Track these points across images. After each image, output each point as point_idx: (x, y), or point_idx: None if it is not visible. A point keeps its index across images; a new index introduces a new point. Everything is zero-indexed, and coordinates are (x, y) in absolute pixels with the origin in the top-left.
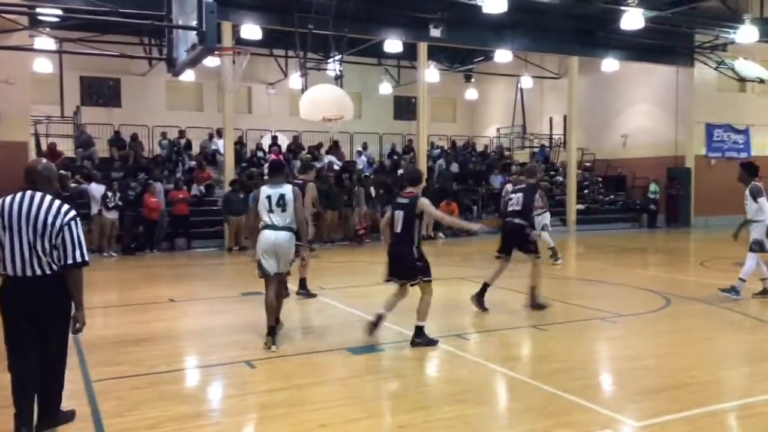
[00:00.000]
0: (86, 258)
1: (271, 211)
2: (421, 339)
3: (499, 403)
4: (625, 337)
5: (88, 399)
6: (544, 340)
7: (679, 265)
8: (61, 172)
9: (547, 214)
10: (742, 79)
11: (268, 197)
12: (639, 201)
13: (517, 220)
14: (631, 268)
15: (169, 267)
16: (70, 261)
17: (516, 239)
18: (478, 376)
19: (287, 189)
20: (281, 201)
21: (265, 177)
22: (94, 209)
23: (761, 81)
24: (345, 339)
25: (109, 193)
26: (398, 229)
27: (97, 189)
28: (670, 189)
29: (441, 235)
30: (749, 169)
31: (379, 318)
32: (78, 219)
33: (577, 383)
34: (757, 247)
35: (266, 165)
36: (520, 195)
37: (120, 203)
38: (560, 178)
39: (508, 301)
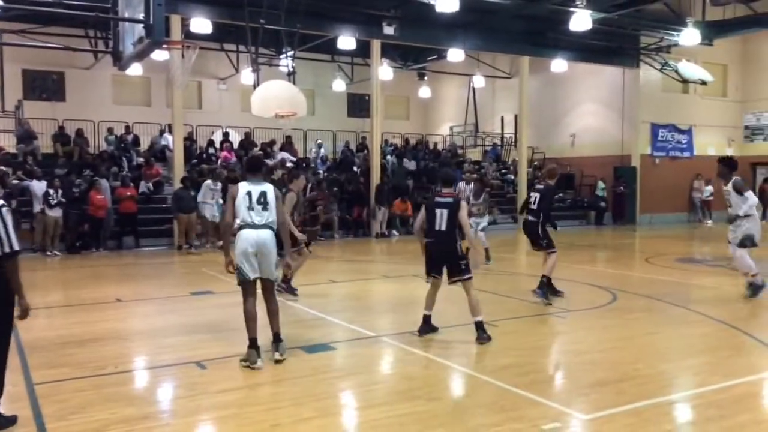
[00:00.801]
0: (15, 247)
1: (251, 208)
2: (486, 333)
3: (451, 399)
4: (574, 332)
5: (31, 402)
6: (494, 336)
7: (625, 261)
8: (1, 168)
9: (487, 217)
10: (685, 81)
11: (249, 193)
12: (587, 199)
13: (531, 218)
14: (579, 264)
15: (116, 266)
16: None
17: (530, 235)
18: (429, 373)
19: (269, 187)
20: (262, 199)
21: (217, 171)
22: (37, 207)
23: (703, 82)
24: (298, 338)
25: (51, 191)
26: (443, 227)
27: (38, 186)
28: (616, 187)
29: (395, 232)
30: (729, 164)
31: (428, 319)
32: (4, 209)
33: (527, 378)
34: (749, 242)
35: (238, 161)
36: (537, 195)
37: (63, 200)
38: (511, 176)
39: (459, 297)
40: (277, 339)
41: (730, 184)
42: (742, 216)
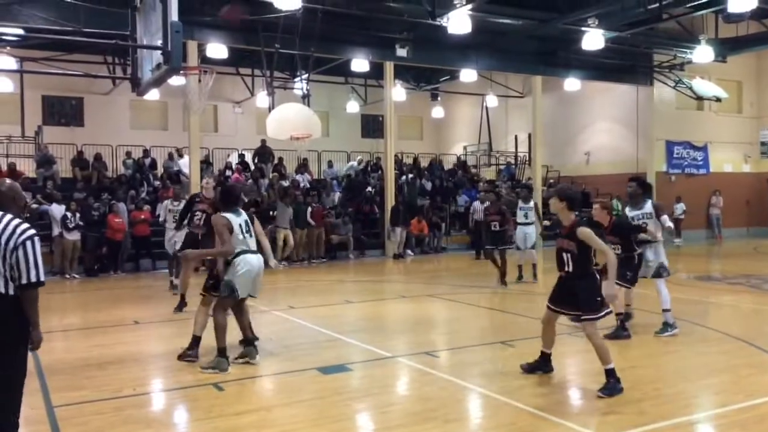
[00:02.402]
0: (41, 278)
1: (245, 237)
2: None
3: (468, 421)
4: (591, 351)
5: (51, 425)
6: (511, 356)
7: (642, 279)
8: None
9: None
10: (699, 98)
11: (240, 225)
12: None
13: None
14: None
15: (134, 288)
16: (24, 281)
17: None
18: (446, 394)
19: (245, 215)
20: (248, 227)
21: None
22: (56, 230)
23: (718, 99)
24: (314, 359)
25: (69, 214)
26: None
27: (58, 210)
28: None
29: (410, 252)
30: (645, 185)
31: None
32: (36, 238)
33: (545, 399)
34: (665, 272)
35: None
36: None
37: (80, 224)
38: None
39: (477, 317)
40: (251, 342)
41: (648, 206)
42: (653, 242)
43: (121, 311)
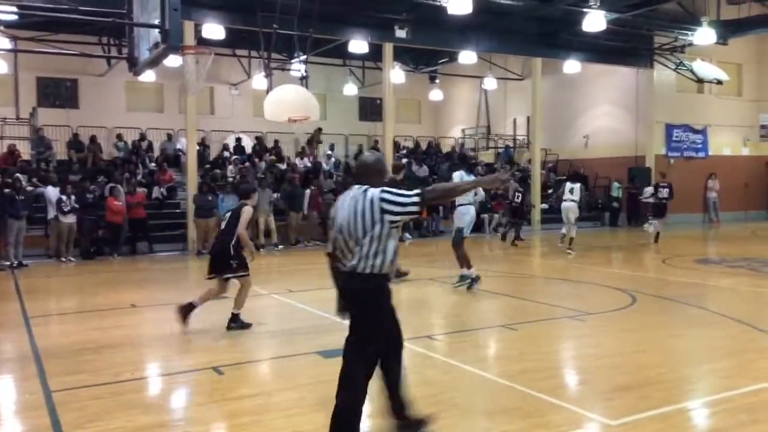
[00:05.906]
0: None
1: None
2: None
3: (475, 404)
4: (594, 335)
5: (48, 410)
6: (514, 340)
7: (642, 262)
8: (16, 174)
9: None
10: (700, 80)
11: None
12: (601, 200)
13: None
14: (596, 266)
15: (131, 272)
16: None
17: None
18: (449, 378)
19: None
20: None
21: (231, 179)
22: (51, 213)
23: (719, 82)
24: (316, 342)
25: (64, 197)
26: None
27: (53, 192)
28: (631, 188)
29: (408, 236)
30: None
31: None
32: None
33: (549, 382)
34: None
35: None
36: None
37: (76, 206)
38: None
39: (478, 300)
40: None
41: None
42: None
43: (117, 294)
